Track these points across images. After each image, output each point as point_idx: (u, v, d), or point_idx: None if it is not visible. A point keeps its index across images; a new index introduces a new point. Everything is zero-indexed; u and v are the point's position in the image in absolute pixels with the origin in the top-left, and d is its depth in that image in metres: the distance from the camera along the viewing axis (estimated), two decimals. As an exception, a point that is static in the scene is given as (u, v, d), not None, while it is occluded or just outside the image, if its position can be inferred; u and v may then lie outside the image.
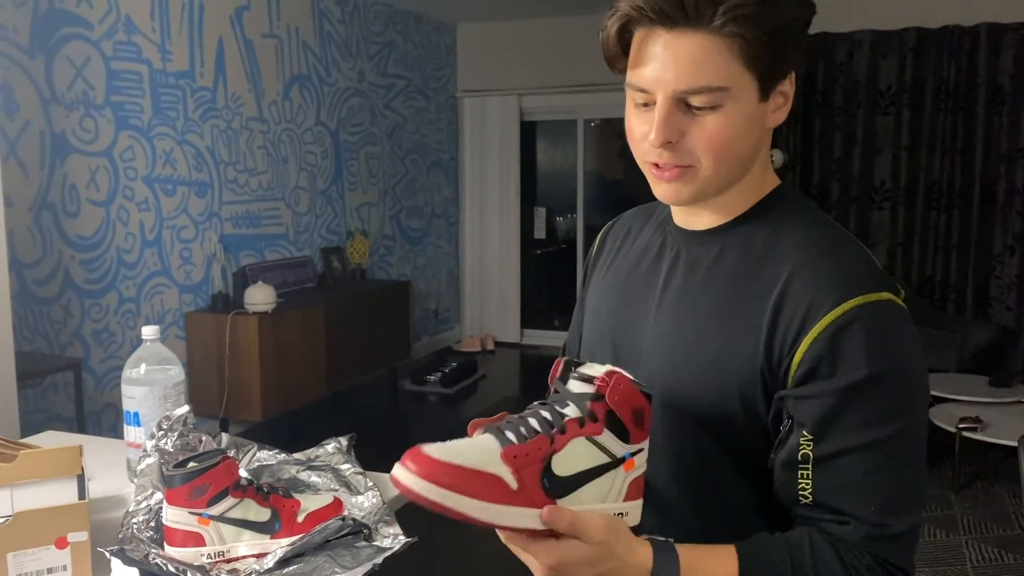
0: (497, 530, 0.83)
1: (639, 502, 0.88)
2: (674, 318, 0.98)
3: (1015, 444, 3.05)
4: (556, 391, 0.87)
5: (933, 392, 4.21)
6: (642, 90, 0.89)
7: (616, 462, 0.85)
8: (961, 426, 3.76)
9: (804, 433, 0.87)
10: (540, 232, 7.13)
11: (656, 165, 0.92)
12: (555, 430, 0.83)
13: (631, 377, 0.85)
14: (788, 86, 0.91)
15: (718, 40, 0.84)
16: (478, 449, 0.81)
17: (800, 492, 0.89)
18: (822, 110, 5.64)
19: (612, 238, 1.16)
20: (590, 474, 0.83)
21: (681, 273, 1.00)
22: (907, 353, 0.88)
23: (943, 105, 5.32)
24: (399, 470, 0.78)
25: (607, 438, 0.84)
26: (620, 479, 0.85)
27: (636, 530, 0.88)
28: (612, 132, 6.79)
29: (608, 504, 0.85)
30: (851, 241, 0.94)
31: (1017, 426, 3.73)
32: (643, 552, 0.85)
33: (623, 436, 0.84)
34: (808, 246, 0.92)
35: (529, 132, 7.00)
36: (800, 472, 0.88)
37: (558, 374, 0.88)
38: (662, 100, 0.87)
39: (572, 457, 0.83)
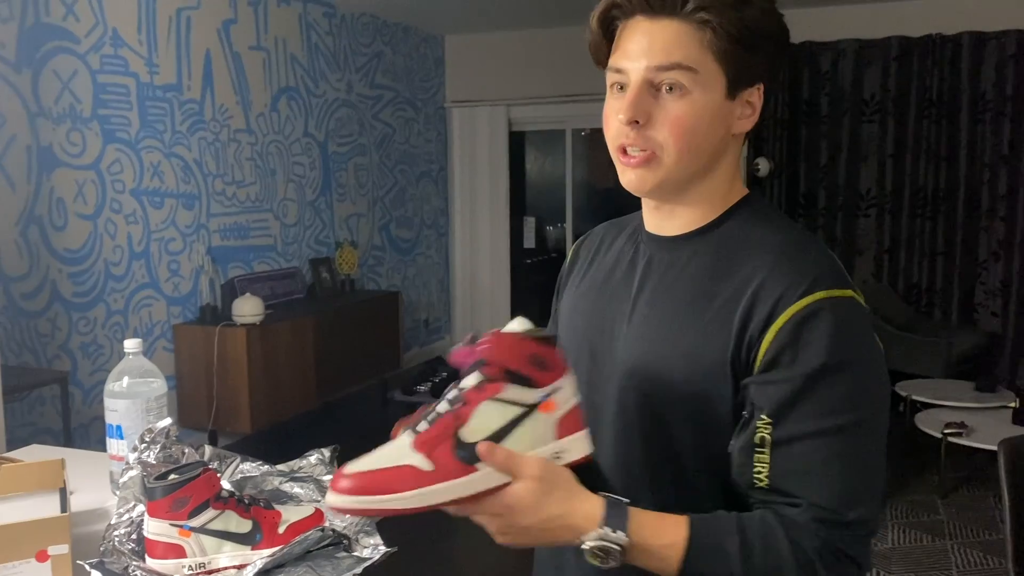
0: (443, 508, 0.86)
1: (578, 435, 0.90)
2: (648, 316, 1.00)
3: (999, 449, 3.08)
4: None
5: (920, 398, 4.24)
6: (619, 71, 0.96)
7: (530, 408, 0.87)
8: (947, 431, 3.78)
9: (763, 416, 0.89)
10: (530, 241, 7.15)
11: (623, 151, 0.97)
12: (459, 404, 0.87)
13: (520, 330, 0.88)
14: (756, 97, 0.97)
15: (691, 27, 0.93)
16: (393, 448, 0.86)
17: (755, 475, 0.90)
18: (807, 118, 5.68)
19: (585, 250, 1.18)
20: (504, 431, 0.86)
21: (655, 276, 1.02)
22: (868, 349, 0.90)
23: (927, 113, 5.38)
24: (329, 494, 0.83)
25: (511, 392, 0.87)
26: (543, 422, 0.88)
27: (594, 488, 0.89)
28: (601, 141, 6.76)
29: (539, 449, 0.88)
30: (819, 244, 0.98)
31: (1003, 431, 3.75)
32: (593, 501, 0.87)
33: (528, 383, 0.87)
34: (780, 247, 0.95)
35: (518, 142, 7.02)
36: (757, 455, 0.90)
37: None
38: (634, 80, 0.94)
39: (480, 422, 0.86)
